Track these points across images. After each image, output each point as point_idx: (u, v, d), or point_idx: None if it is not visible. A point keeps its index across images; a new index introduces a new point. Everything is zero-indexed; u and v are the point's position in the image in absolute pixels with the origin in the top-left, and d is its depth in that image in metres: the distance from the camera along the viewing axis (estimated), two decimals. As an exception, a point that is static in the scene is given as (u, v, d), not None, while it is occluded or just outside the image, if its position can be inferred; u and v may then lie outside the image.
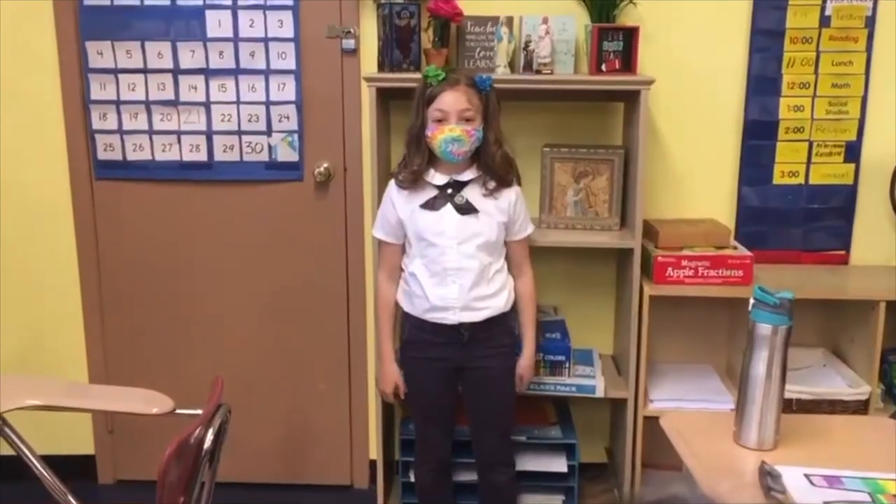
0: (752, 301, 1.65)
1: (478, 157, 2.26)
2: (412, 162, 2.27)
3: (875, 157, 2.71)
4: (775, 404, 1.65)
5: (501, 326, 2.34)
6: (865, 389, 2.49)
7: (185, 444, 1.58)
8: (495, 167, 2.25)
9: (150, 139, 2.82)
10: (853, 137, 2.71)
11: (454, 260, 2.25)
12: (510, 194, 2.29)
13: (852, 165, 2.73)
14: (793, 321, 1.64)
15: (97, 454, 3.07)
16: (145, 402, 1.95)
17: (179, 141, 2.81)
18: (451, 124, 2.18)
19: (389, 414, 2.84)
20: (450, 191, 2.27)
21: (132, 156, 2.83)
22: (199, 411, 1.76)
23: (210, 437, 1.65)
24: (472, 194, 2.27)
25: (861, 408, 2.50)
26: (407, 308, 2.35)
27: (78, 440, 3.03)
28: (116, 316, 2.96)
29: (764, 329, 1.64)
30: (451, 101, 2.18)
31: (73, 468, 2.97)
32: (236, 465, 2.60)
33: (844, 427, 1.89)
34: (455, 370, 2.35)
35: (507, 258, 2.35)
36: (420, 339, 2.34)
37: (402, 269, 2.37)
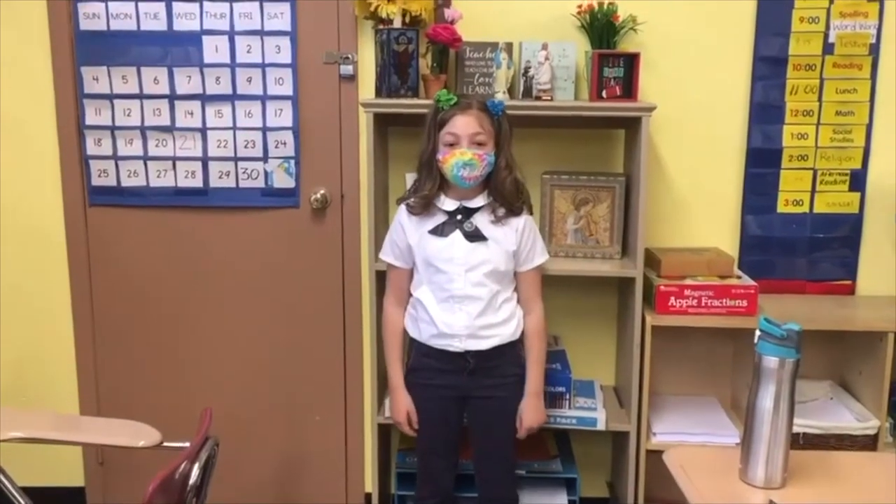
0: (757, 333, 1.60)
1: (489, 182, 2.22)
2: (423, 187, 2.24)
3: (881, 186, 2.67)
4: (783, 440, 1.59)
5: (509, 356, 2.28)
6: (874, 424, 2.43)
7: (170, 479, 1.52)
8: (505, 193, 2.21)
9: (145, 165, 2.78)
10: (858, 166, 2.67)
11: (462, 287, 2.21)
12: (519, 222, 2.25)
13: (857, 194, 2.68)
14: (801, 354, 1.58)
15: (87, 486, 3.00)
16: (133, 435, 1.90)
17: (175, 167, 2.78)
18: (463, 148, 2.15)
19: (386, 446, 2.78)
20: (459, 217, 2.23)
21: (127, 182, 2.80)
22: (188, 444, 1.71)
23: (196, 471, 1.60)
24: (482, 221, 2.23)
25: (870, 443, 2.43)
26: (413, 334, 2.31)
27: (68, 472, 2.97)
28: (109, 345, 2.91)
29: (770, 362, 1.59)
30: (463, 124, 2.16)
31: (63, 500, 2.95)
32: (229, 496, 2.56)
33: (854, 464, 1.82)
34: (460, 399, 2.30)
35: (517, 290, 2.30)
36: (425, 366, 2.29)
37: (409, 295, 2.33)
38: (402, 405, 2.33)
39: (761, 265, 2.71)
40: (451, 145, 2.17)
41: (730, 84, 2.65)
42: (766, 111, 2.65)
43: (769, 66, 2.63)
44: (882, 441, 2.45)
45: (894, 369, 2.42)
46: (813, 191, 2.69)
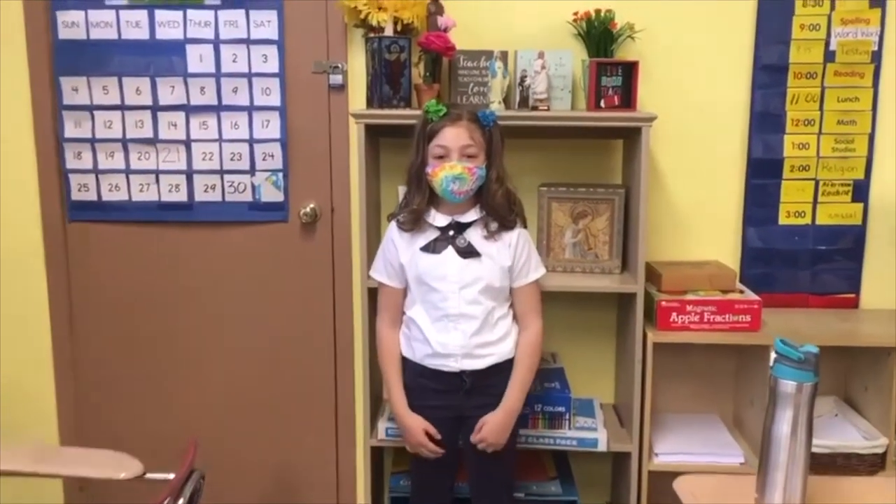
0: (773, 356, 1.53)
1: (480, 196, 2.15)
2: (412, 201, 2.16)
3: (884, 197, 2.61)
4: (801, 468, 1.52)
5: (506, 374, 2.19)
6: (882, 442, 2.36)
7: (154, 516, 1.43)
8: (497, 207, 2.14)
9: (127, 179, 2.69)
10: (861, 176, 2.61)
11: (456, 305, 2.13)
12: (512, 236, 2.17)
13: (860, 205, 2.62)
14: (818, 377, 1.51)
15: (68, 512, 2.90)
16: (114, 466, 1.81)
17: (158, 180, 2.69)
18: (453, 161, 2.07)
19: (379, 468, 2.70)
20: (451, 233, 2.15)
21: (108, 196, 2.71)
22: (172, 475, 1.62)
23: (181, 507, 1.50)
24: (474, 236, 2.15)
25: (878, 462, 2.36)
26: (406, 353, 2.23)
27: (48, 499, 2.86)
28: (90, 368, 2.82)
29: (788, 386, 1.51)
30: (453, 136, 2.08)
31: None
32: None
33: (872, 490, 1.75)
34: (456, 420, 2.21)
35: (513, 307, 2.22)
36: (419, 386, 2.20)
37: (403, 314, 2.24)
38: (416, 427, 2.20)
39: (763, 278, 2.64)
40: (441, 158, 2.09)
41: (730, 93, 2.59)
42: (766, 120, 2.59)
43: (769, 74, 2.57)
44: (890, 460, 2.38)
45: (903, 386, 2.36)
46: (815, 202, 2.63)
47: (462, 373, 2.16)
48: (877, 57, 2.54)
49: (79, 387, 2.83)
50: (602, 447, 2.44)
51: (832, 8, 2.53)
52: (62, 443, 2.83)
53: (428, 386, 2.19)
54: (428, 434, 2.19)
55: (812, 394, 1.51)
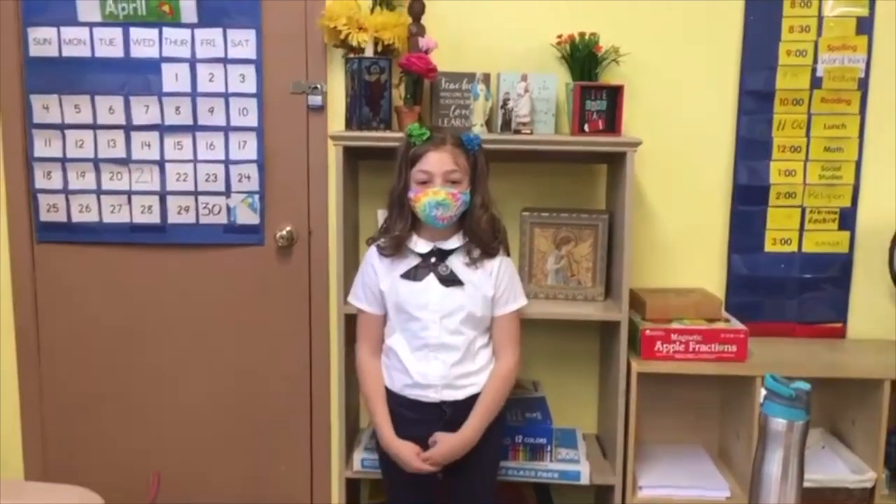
0: (763, 392, 1.47)
1: (464, 222, 2.09)
2: (394, 227, 2.10)
3: (871, 225, 2.57)
4: (792, 510, 1.45)
5: None
6: (871, 476, 2.31)
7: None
8: (481, 234, 2.08)
9: (98, 200, 2.62)
10: (848, 204, 2.57)
11: (437, 335, 2.07)
12: (494, 264, 2.11)
13: (847, 233, 2.59)
14: (810, 415, 1.45)
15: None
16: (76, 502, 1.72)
17: (130, 201, 2.62)
18: (436, 187, 2.01)
19: (354, 498, 2.61)
20: (433, 259, 2.09)
21: (78, 217, 2.63)
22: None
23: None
24: (456, 264, 2.09)
25: (866, 497, 2.31)
26: (385, 382, 2.15)
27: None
28: (57, 397, 2.74)
29: (778, 424, 1.45)
30: (436, 161, 2.02)
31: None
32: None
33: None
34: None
35: (490, 334, 2.15)
36: (398, 416, 2.13)
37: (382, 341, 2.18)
38: (409, 453, 2.09)
39: (748, 307, 2.60)
40: (424, 183, 2.03)
41: (715, 118, 2.56)
42: (752, 147, 2.56)
43: (755, 100, 2.54)
44: (878, 494, 2.33)
45: (890, 418, 2.31)
46: (801, 229, 2.59)
47: (442, 403, 2.09)
48: (863, 84, 2.52)
49: (45, 416, 2.74)
50: (585, 480, 2.37)
51: (819, 34, 2.50)
52: (27, 475, 2.74)
53: (407, 416, 2.12)
54: None
55: (804, 432, 1.45)
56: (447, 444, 2.09)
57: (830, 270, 2.60)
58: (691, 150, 2.57)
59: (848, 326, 2.62)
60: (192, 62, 2.55)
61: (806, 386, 1.45)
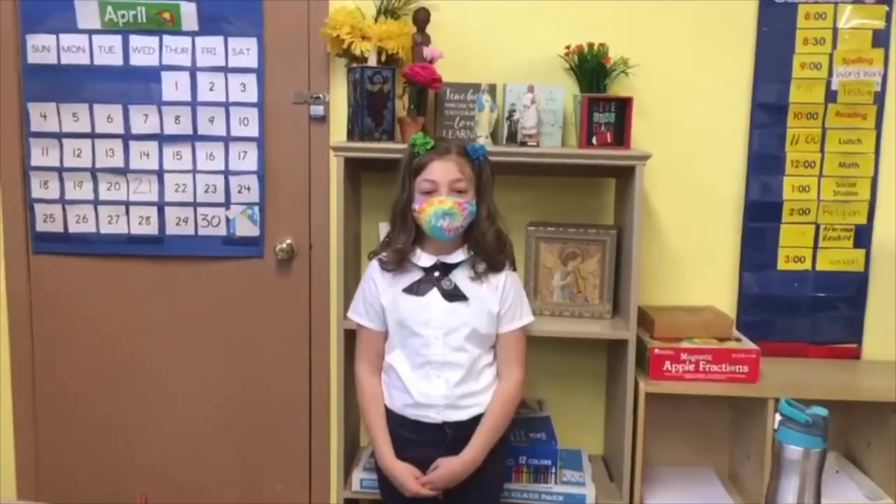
0: (778, 418, 1.40)
1: (469, 235, 2.03)
2: (397, 240, 2.04)
3: (887, 242, 2.51)
4: (808, 543, 1.38)
5: None
6: (887, 501, 2.26)
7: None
8: (487, 247, 2.02)
9: (96, 210, 2.58)
10: (863, 221, 2.51)
11: (440, 353, 2.00)
12: (499, 279, 2.05)
13: (863, 251, 2.52)
14: (827, 442, 1.38)
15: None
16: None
17: (128, 212, 2.58)
18: (442, 196, 1.95)
19: (353, 519, 2.55)
20: (437, 273, 2.03)
21: (75, 228, 2.59)
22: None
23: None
24: (461, 278, 2.03)
25: (883, 524, 2.23)
26: (385, 401, 2.09)
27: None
28: (52, 414, 2.70)
29: (794, 452, 1.38)
30: (442, 171, 1.96)
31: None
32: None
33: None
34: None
35: (495, 352, 2.09)
36: (398, 437, 2.06)
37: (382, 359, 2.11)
38: (407, 477, 2.03)
39: (760, 326, 2.53)
40: (429, 193, 1.97)
41: (727, 132, 2.50)
42: (765, 161, 2.50)
43: (768, 113, 2.48)
44: (895, 521, 2.25)
45: (906, 441, 2.24)
46: (815, 247, 2.52)
47: (444, 424, 2.02)
48: (880, 98, 2.46)
49: (39, 431, 2.70)
50: (590, 503, 2.30)
51: (834, 47, 2.44)
52: (19, 493, 2.71)
53: (407, 437, 2.05)
54: None
55: (820, 461, 1.39)
56: (447, 469, 2.02)
57: (845, 289, 2.53)
58: (702, 164, 2.51)
59: (863, 347, 2.55)
60: (193, 71, 2.51)
61: (823, 411, 1.38)
